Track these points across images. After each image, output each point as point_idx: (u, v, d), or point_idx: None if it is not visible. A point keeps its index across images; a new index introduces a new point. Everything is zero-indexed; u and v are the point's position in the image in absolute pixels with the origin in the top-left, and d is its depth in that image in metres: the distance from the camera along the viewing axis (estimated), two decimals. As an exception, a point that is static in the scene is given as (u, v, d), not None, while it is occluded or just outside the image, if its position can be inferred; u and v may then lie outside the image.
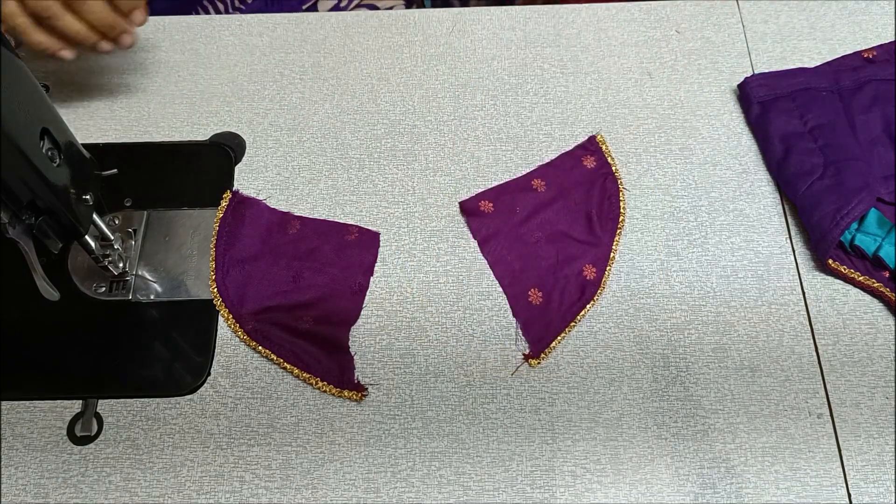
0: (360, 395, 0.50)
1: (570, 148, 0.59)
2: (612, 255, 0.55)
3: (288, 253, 0.55)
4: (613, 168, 0.58)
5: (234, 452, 0.49)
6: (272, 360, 0.51)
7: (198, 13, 0.72)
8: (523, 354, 0.51)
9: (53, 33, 0.52)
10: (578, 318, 0.52)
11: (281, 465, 0.48)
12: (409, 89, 0.63)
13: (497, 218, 0.56)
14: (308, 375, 0.51)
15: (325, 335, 0.52)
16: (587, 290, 0.53)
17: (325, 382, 0.50)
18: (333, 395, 0.50)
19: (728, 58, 0.64)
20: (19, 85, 0.41)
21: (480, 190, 0.57)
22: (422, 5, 0.79)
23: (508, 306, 0.53)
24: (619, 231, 0.55)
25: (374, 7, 0.76)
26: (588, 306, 0.53)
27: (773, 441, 0.48)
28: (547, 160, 0.59)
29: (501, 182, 0.57)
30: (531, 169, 0.58)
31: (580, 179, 0.57)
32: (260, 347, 0.51)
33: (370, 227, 0.56)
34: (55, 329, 0.53)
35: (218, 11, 0.72)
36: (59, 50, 0.53)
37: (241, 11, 0.73)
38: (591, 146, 0.59)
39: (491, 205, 0.56)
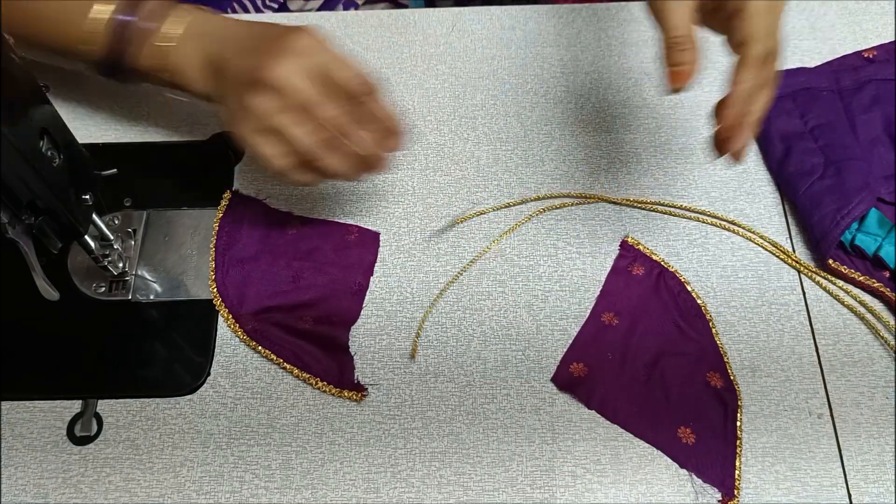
0: (360, 395, 0.50)
1: (608, 262, 0.54)
2: (721, 349, 0.51)
3: (288, 253, 0.55)
4: (660, 261, 0.54)
5: (234, 452, 0.49)
6: (272, 360, 0.51)
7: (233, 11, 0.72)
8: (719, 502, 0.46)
9: (313, 171, 0.48)
10: (739, 433, 0.48)
11: (281, 465, 0.48)
12: (409, 89, 0.63)
13: (597, 375, 0.50)
14: (308, 375, 0.51)
15: (325, 335, 0.52)
16: (727, 400, 0.49)
17: (325, 382, 0.50)
18: (333, 395, 0.50)
19: (728, 58, 0.63)
20: (19, 85, 0.41)
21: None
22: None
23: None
24: (710, 321, 0.52)
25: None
26: (739, 415, 0.48)
27: (773, 441, 0.48)
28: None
29: (571, 336, 0.52)
30: (590, 304, 0.53)
31: (642, 293, 0.53)
32: (260, 347, 0.51)
33: (370, 227, 0.56)
34: (55, 329, 0.53)
35: (246, 11, 0.72)
36: (315, 184, 0.50)
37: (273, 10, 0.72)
38: (629, 252, 0.54)
39: (581, 365, 0.50)
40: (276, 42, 0.47)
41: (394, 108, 0.48)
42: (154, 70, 0.51)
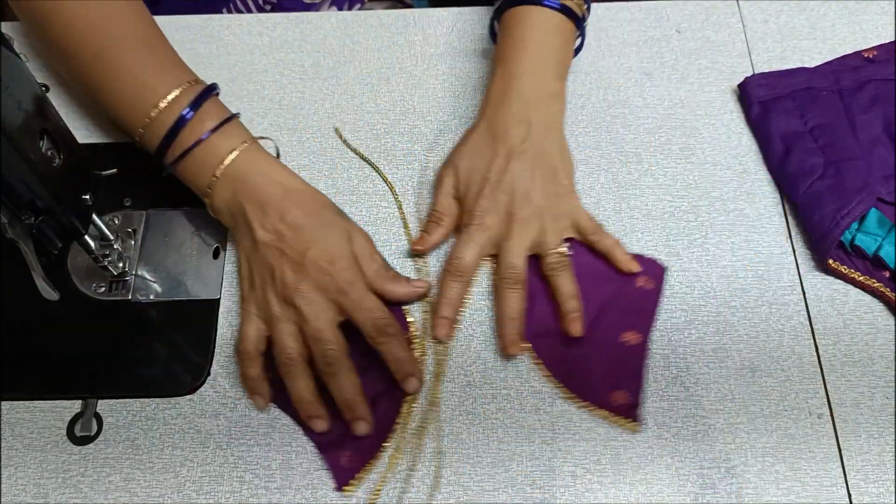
0: (359, 395, 0.50)
1: None
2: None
3: None
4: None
5: (234, 452, 0.49)
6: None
7: (228, 11, 0.71)
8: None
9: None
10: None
11: (281, 465, 0.48)
12: (409, 89, 0.63)
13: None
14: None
15: None
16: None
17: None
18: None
19: (728, 58, 0.64)
20: (19, 85, 0.42)
21: None
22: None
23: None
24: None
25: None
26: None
27: (773, 441, 0.48)
28: None
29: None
30: None
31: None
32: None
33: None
34: (55, 329, 0.53)
35: (241, 11, 0.72)
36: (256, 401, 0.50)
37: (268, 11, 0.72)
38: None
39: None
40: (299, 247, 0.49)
41: (410, 354, 0.49)
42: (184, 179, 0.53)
